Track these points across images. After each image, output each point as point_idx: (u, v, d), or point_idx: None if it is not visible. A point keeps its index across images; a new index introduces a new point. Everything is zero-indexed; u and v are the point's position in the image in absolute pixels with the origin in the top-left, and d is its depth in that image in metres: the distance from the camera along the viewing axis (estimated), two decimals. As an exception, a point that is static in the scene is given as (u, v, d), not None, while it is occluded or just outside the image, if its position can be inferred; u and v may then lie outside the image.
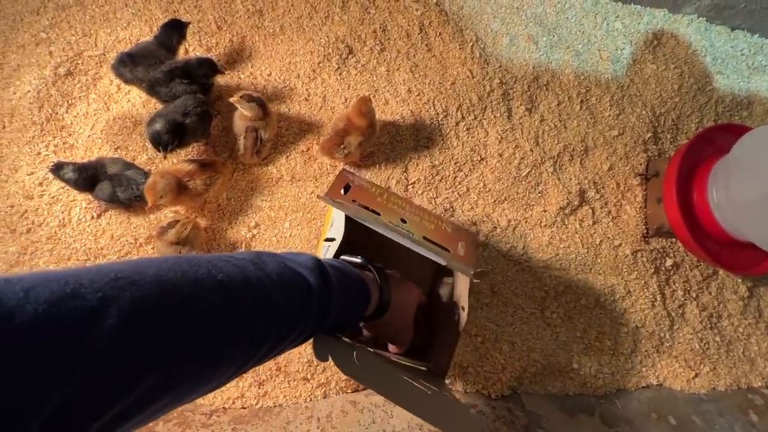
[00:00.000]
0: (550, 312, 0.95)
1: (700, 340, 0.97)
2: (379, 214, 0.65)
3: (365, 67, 0.99)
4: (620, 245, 0.99)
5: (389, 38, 1.02)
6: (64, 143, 0.85)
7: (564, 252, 0.96)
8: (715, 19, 1.16)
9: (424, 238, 0.66)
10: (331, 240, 0.66)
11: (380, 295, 0.58)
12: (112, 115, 0.87)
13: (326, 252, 0.68)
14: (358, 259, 0.61)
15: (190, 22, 0.86)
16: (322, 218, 0.89)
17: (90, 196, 0.82)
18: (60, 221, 0.82)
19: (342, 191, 0.67)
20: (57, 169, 0.74)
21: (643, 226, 1.01)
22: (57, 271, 0.27)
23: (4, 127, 0.84)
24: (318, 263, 0.47)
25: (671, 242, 1.02)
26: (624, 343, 0.95)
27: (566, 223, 0.99)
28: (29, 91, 0.85)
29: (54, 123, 0.85)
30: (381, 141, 0.94)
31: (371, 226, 0.62)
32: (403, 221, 0.67)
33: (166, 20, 0.83)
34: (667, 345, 0.97)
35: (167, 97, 0.82)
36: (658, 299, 0.97)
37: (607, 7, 1.14)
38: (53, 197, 0.82)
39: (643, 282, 0.97)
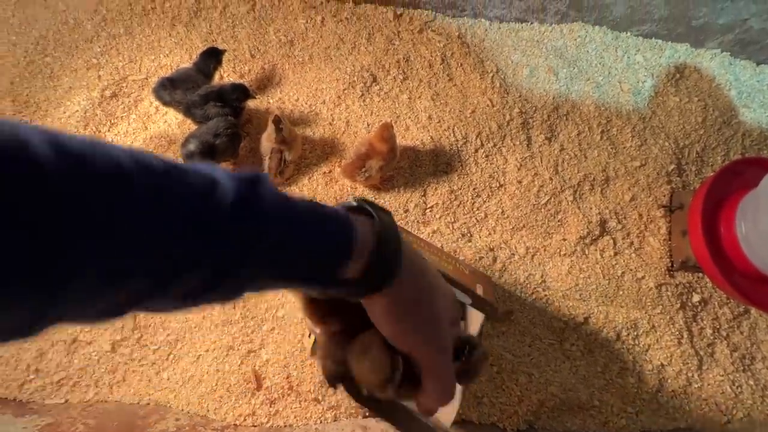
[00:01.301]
0: (569, 344, 0.89)
1: (732, 383, 0.89)
2: None
3: (388, 94, 1.00)
4: (643, 278, 0.93)
5: (412, 68, 1.04)
6: (104, 159, 0.89)
7: (584, 282, 0.92)
8: (740, 53, 1.12)
9: (444, 276, 0.64)
10: None
11: (377, 246, 0.32)
12: (149, 134, 0.90)
13: None
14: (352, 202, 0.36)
15: (225, 50, 0.89)
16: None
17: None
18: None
19: None
20: None
21: (668, 259, 0.95)
22: None
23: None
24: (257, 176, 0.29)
25: (698, 277, 0.96)
26: (649, 382, 0.88)
27: (586, 252, 0.94)
28: (77, 110, 0.89)
29: (96, 140, 0.89)
30: (401, 165, 0.93)
31: None
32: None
33: (206, 48, 0.87)
34: (696, 386, 0.89)
35: (201, 119, 0.84)
36: (685, 336, 0.90)
37: (627, 41, 1.12)
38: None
39: (668, 317, 0.91)
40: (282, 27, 1.02)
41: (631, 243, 0.96)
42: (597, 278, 0.91)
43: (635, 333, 0.90)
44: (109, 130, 0.90)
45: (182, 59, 0.95)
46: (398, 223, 0.73)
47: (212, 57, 0.85)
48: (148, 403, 0.78)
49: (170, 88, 0.84)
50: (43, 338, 0.78)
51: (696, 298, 0.93)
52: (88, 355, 0.79)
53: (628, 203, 0.98)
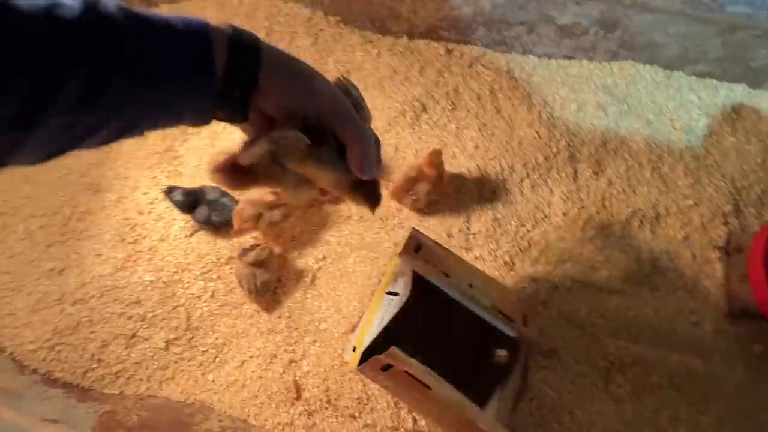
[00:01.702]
0: (615, 385, 0.85)
1: (802, 445, 0.81)
2: (448, 276, 0.64)
3: (437, 123, 1.04)
4: (698, 322, 0.88)
5: (461, 99, 1.07)
6: (174, 170, 0.97)
7: (633, 321, 0.88)
8: (803, 95, 1.08)
9: (492, 306, 0.64)
10: (395, 294, 0.65)
11: (230, 38, 0.32)
12: (216, 150, 0.98)
13: (388, 305, 0.66)
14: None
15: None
16: (385, 259, 0.90)
17: (187, 217, 0.91)
18: (160, 236, 0.91)
19: (413, 250, 0.67)
20: (169, 191, 0.84)
21: (725, 304, 0.89)
22: None
23: (132, 154, 0.98)
24: None
25: (760, 325, 0.89)
26: (704, 435, 0.81)
27: (635, 290, 0.91)
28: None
29: (170, 153, 0.98)
30: (446, 191, 0.95)
31: (444, 289, 0.61)
32: (470, 286, 0.65)
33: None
34: (759, 444, 0.81)
35: None
36: (746, 388, 0.83)
37: (680, 80, 1.11)
38: (159, 215, 0.92)
39: (727, 367, 0.85)
40: (341, 58, 1.09)
41: (685, 284, 0.91)
42: (647, 318, 0.87)
43: (689, 380, 0.84)
44: (181, 145, 0.99)
45: (250, 85, 1.04)
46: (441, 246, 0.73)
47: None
48: (193, 403, 0.81)
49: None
50: (107, 331, 0.84)
51: (758, 348, 0.86)
52: (143, 351, 0.84)
53: (680, 242, 0.94)
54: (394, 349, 0.55)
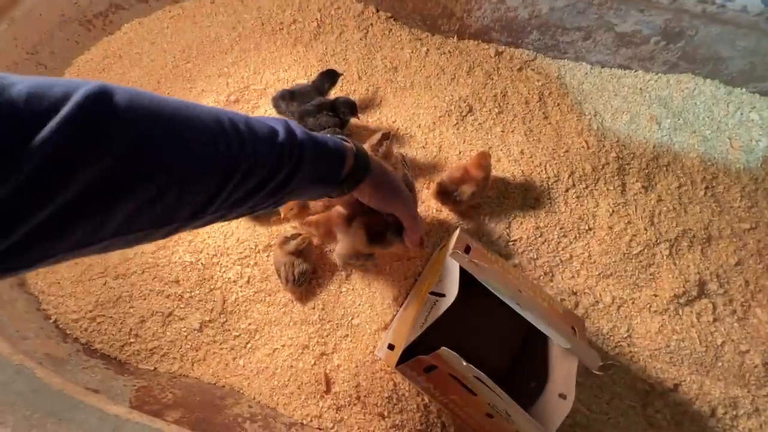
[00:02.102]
0: (653, 410, 0.81)
1: None
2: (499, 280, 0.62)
3: (482, 125, 1.02)
4: (747, 352, 0.83)
5: (508, 103, 1.05)
6: (219, 155, 0.98)
7: (676, 345, 0.84)
8: None
9: (542, 315, 0.61)
10: (441, 295, 0.63)
11: (355, 155, 0.54)
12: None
13: (432, 307, 0.65)
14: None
15: (343, 73, 0.96)
16: (421, 258, 0.88)
17: (228, 202, 0.91)
18: (202, 218, 0.92)
19: (464, 251, 0.65)
20: None
21: (778, 336, 0.85)
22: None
23: (180, 136, 0.99)
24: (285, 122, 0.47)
25: (815, 362, 0.84)
26: (747, 472, 0.77)
27: (680, 313, 0.86)
28: (205, 110, 1.00)
29: (216, 138, 0.99)
30: (489, 195, 0.93)
31: (495, 292, 0.58)
32: (520, 292, 0.63)
33: (324, 69, 0.94)
34: (807, 489, 0.76)
35: (312, 126, 0.91)
36: (797, 428, 0.78)
37: (741, 97, 1.06)
38: (202, 198, 0.93)
39: (776, 402, 0.80)
40: (389, 54, 1.08)
41: (734, 311, 0.87)
42: (692, 343, 0.83)
43: (734, 413, 0.80)
44: (227, 131, 1.00)
45: (298, 74, 1.04)
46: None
47: (330, 78, 0.92)
48: (224, 386, 0.82)
49: (288, 100, 0.92)
50: (145, 307, 0.86)
51: (812, 385, 0.81)
52: (178, 330, 0.85)
53: (732, 267, 0.90)
54: (444, 350, 0.54)
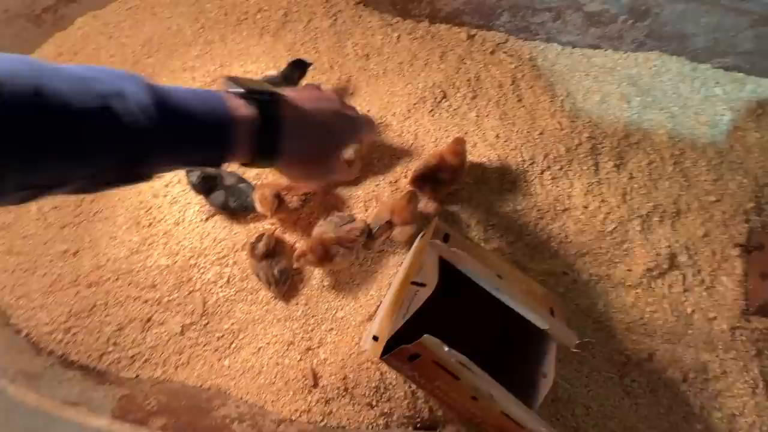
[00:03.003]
0: (630, 380, 0.85)
1: (813, 444, 0.81)
2: (477, 266, 0.62)
3: (457, 111, 1.01)
4: (715, 319, 0.87)
5: (482, 87, 1.04)
6: (189, 153, 0.95)
7: (650, 317, 0.87)
8: (831, 92, 1.05)
9: (522, 298, 0.62)
10: (421, 285, 0.63)
11: (257, 138, 0.41)
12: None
13: (414, 296, 0.65)
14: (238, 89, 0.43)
15: (312, 63, 0.93)
16: (402, 249, 0.88)
17: (203, 201, 0.89)
18: (175, 220, 0.89)
19: (442, 239, 0.65)
20: (187, 170, 0.82)
21: (743, 302, 0.88)
22: None
23: (146, 135, 0.95)
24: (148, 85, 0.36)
25: (777, 324, 0.89)
26: (717, 431, 0.82)
27: (653, 286, 0.89)
28: (171, 107, 0.96)
29: (185, 136, 0.95)
30: (466, 181, 0.93)
31: (475, 279, 0.59)
32: (499, 277, 0.64)
33: (293, 59, 0.91)
34: (772, 442, 0.82)
35: None
36: (761, 386, 0.83)
37: (706, 72, 1.08)
38: (174, 198, 0.90)
39: (742, 364, 0.84)
40: (360, 41, 1.06)
41: (703, 281, 0.90)
42: (664, 314, 0.87)
43: (704, 376, 0.84)
44: (196, 127, 0.96)
45: (267, 66, 1.01)
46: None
47: (299, 68, 0.90)
48: (209, 388, 0.81)
49: (257, 93, 0.89)
50: (122, 314, 0.83)
51: (775, 346, 0.86)
52: (159, 335, 0.83)
53: (700, 239, 0.93)
54: (427, 338, 0.54)
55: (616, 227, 0.92)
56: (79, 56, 1.01)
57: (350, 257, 0.82)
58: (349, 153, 0.85)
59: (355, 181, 0.92)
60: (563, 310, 0.68)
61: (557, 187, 0.95)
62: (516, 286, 0.64)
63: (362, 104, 1.00)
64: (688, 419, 0.81)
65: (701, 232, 0.93)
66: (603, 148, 0.99)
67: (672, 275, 0.90)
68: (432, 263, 0.60)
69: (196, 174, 0.81)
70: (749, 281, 0.90)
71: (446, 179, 0.85)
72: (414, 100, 1.00)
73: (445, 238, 0.65)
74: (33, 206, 0.91)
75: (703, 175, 0.98)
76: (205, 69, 1.00)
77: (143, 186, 0.91)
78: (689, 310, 0.87)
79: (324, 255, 0.79)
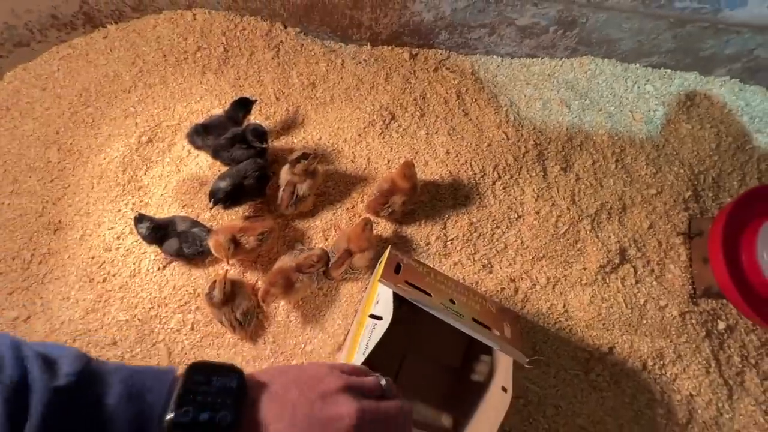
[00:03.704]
0: (595, 374, 0.89)
1: (765, 413, 0.87)
2: (430, 295, 0.64)
3: (406, 131, 1.03)
4: (666, 306, 0.93)
5: (428, 105, 1.07)
6: (140, 201, 0.93)
7: (607, 311, 0.91)
8: (750, 80, 1.14)
9: (473, 319, 0.64)
10: (378, 318, 0.65)
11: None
12: (182, 176, 0.94)
13: (372, 330, 0.66)
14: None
15: (256, 100, 0.93)
16: (363, 271, 0.90)
17: (158, 249, 0.87)
18: (131, 272, 0.87)
19: (393, 271, 0.67)
20: (139, 220, 0.80)
21: (690, 287, 0.94)
22: None
23: (93, 188, 0.93)
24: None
25: (722, 304, 0.95)
26: (678, 412, 0.86)
27: (607, 281, 0.94)
28: (116, 156, 0.94)
29: (134, 184, 0.93)
30: (421, 199, 0.95)
31: (427, 309, 0.61)
32: (452, 302, 0.66)
33: (236, 98, 0.91)
34: (728, 416, 0.87)
35: (228, 160, 0.88)
36: (713, 365, 0.89)
37: (636, 71, 1.15)
38: (127, 250, 0.88)
39: (694, 346, 0.90)
40: (304, 70, 1.07)
41: (652, 271, 0.96)
42: (619, 307, 0.91)
43: (661, 362, 0.89)
44: (145, 174, 0.95)
45: (212, 104, 1.00)
46: (420, 257, 0.75)
47: (243, 107, 0.90)
48: None
49: (203, 134, 0.88)
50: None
51: (721, 325, 0.92)
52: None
53: (646, 231, 0.99)
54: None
55: (568, 229, 0.96)
56: (12, 111, 0.98)
57: (312, 284, 0.83)
58: (302, 189, 0.86)
59: (312, 212, 0.93)
60: (518, 325, 0.71)
61: (509, 195, 0.98)
62: (471, 306, 0.66)
63: (312, 133, 1.01)
64: (651, 405, 0.86)
65: (646, 224, 0.99)
66: (549, 153, 1.04)
67: (624, 269, 0.95)
68: (385, 298, 0.61)
69: (145, 225, 0.80)
70: (693, 267, 0.96)
71: (400, 202, 0.87)
72: (363, 124, 1.02)
73: (398, 269, 0.66)
74: (-23, 274, 0.87)
75: (643, 169, 1.04)
76: (148, 113, 0.98)
77: (93, 240, 0.89)
78: (642, 300, 0.92)
79: (286, 284, 0.80)
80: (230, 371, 0.38)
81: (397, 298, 0.62)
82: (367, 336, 0.64)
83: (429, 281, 0.67)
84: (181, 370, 0.38)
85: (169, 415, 0.33)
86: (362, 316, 0.77)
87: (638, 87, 1.13)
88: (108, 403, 0.32)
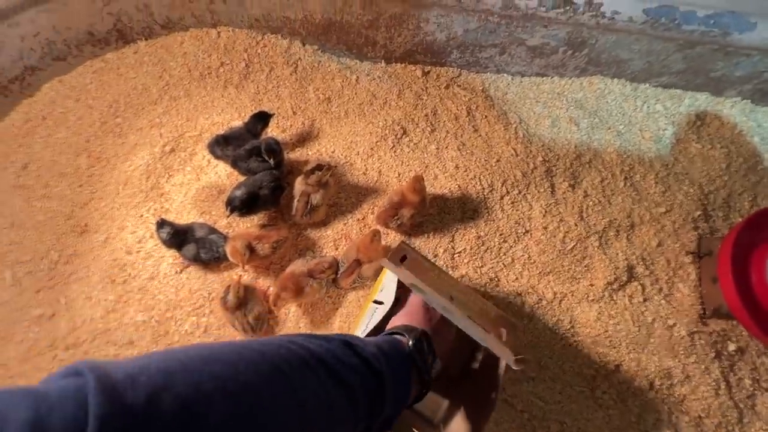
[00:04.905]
0: (600, 392, 0.88)
1: (777, 439, 0.85)
2: (429, 287, 0.67)
3: (417, 145, 1.07)
4: (675, 325, 0.92)
5: (439, 120, 1.10)
6: (161, 207, 0.97)
7: (614, 329, 0.92)
8: (761, 101, 1.14)
9: (469, 317, 0.66)
10: (380, 303, 0.67)
11: (424, 376, 0.54)
12: (202, 184, 0.99)
13: (372, 315, 0.69)
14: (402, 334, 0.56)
15: (274, 114, 0.98)
16: (371, 280, 0.92)
17: (176, 253, 0.91)
18: (150, 274, 0.91)
19: (399, 260, 0.70)
20: (160, 225, 0.85)
21: (699, 306, 0.94)
22: None
23: (118, 193, 0.98)
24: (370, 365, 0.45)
25: (732, 325, 0.94)
26: (686, 435, 0.86)
27: (614, 298, 0.94)
28: (141, 164, 0.99)
29: (156, 191, 0.98)
30: (430, 212, 0.98)
31: (424, 298, 0.64)
32: (451, 299, 0.68)
33: (256, 112, 0.96)
34: (737, 441, 0.86)
35: (245, 171, 0.93)
36: (723, 387, 0.88)
37: (646, 91, 1.16)
38: (148, 253, 0.93)
39: (703, 367, 0.89)
40: (321, 86, 1.12)
41: (660, 289, 0.96)
42: (627, 325, 0.91)
43: (669, 382, 0.88)
44: (167, 181, 1.00)
45: (232, 117, 1.05)
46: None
47: (261, 120, 0.95)
48: None
49: (223, 145, 0.93)
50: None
51: (732, 347, 0.91)
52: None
53: (654, 249, 0.99)
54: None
55: (575, 245, 0.97)
56: (47, 120, 1.04)
57: (321, 289, 0.86)
58: (316, 199, 0.89)
59: (324, 222, 0.96)
60: (517, 333, 0.72)
61: (517, 210, 1.00)
62: (469, 307, 0.68)
63: (327, 146, 1.05)
64: (658, 425, 0.85)
65: (655, 242, 0.99)
66: (557, 169, 1.05)
67: (631, 286, 0.95)
68: (389, 285, 0.64)
69: (166, 230, 0.84)
70: (702, 286, 0.95)
71: (409, 215, 0.90)
72: (376, 139, 1.05)
73: (403, 259, 0.69)
74: (7, 272, 0.92)
75: (652, 188, 1.05)
76: (172, 124, 1.04)
77: (116, 243, 0.94)
78: (650, 319, 0.92)
79: (297, 288, 0.83)
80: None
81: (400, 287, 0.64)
82: (368, 318, 0.66)
83: (432, 276, 0.70)
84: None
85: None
86: (366, 302, 0.80)
87: (648, 106, 1.14)
88: None
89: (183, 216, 0.96)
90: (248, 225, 0.96)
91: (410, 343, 0.54)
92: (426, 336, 0.57)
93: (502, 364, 0.66)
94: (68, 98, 1.06)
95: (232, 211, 0.86)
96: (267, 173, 0.90)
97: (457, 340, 0.76)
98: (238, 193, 0.87)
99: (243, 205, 0.86)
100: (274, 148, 0.90)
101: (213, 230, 0.90)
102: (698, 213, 1.02)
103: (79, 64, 1.10)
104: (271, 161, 0.90)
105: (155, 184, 0.98)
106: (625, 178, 1.06)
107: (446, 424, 0.66)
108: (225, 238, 0.89)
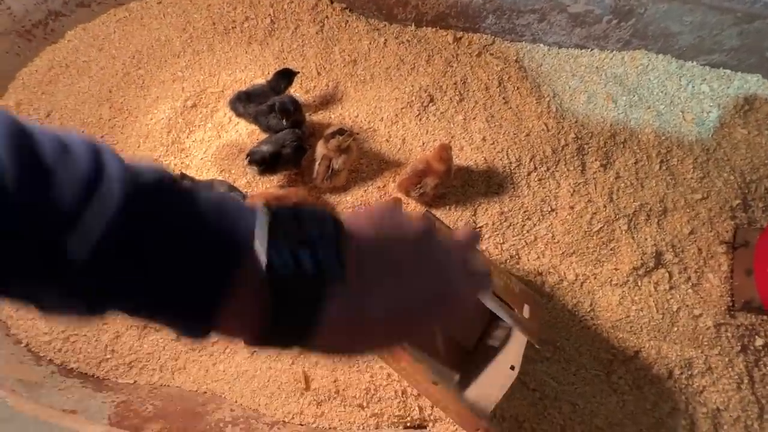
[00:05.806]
0: (616, 377, 0.86)
1: (798, 437, 0.83)
2: None
3: (444, 114, 1.02)
4: (701, 315, 0.89)
5: (468, 90, 1.05)
6: (182, 163, 0.96)
7: (636, 315, 0.88)
8: (818, 87, 1.06)
9: (494, 293, 0.64)
10: None
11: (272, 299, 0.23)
12: (222, 142, 0.97)
13: None
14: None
15: (298, 72, 0.95)
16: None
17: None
18: (168, 229, 0.91)
19: None
20: (181, 177, 0.84)
21: (729, 298, 0.90)
22: None
23: (139, 146, 0.97)
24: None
25: (762, 319, 0.90)
26: (702, 426, 0.83)
27: (639, 284, 0.91)
28: (162, 118, 0.97)
29: (177, 146, 0.97)
30: (453, 184, 0.94)
31: None
32: None
33: (280, 69, 0.92)
34: (756, 436, 0.83)
35: (265, 127, 0.91)
36: (746, 382, 0.85)
37: (693, 70, 1.08)
38: (166, 208, 0.92)
39: (727, 360, 0.86)
40: (347, 47, 1.07)
41: (689, 278, 0.92)
42: (650, 311, 0.88)
43: (689, 372, 0.86)
44: (187, 137, 0.98)
45: (255, 74, 1.02)
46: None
47: (285, 77, 0.91)
48: (205, 392, 0.83)
49: (245, 101, 0.90)
50: (120, 322, 0.86)
51: (759, 341, 0.88)
52: (155, 341, 0.85)
53: (686, 237, 0.94)
54: None
55: (602, 227, 0.93)
56: (70, 69, 1.03)
57: None
58: (337, 163, 0.87)
59: (344, 188, 0.94)
60: (539, 309, 0.70)
61: (544, 188, 0.96)
62: (494, 281, 0.66)
63: (350, 110, 1.01)
64: (673, 415, 0.83)
65: (687, 230, 0.94)
66: (589, 148, 1.00)
67: (658, 273, 0.91)
68: None
69: (188, 182, 0.83)
70: (735, 278, 0.91)
71: (433, 184, 0.87)
72: (401, 105, 1.01)
73: None
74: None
75: (689, 173, 0.99)
76: (194, 79, 1.01)
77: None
78: (675, 307, 0.89)
79: None
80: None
81: None
82: None
83: None
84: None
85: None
86: None
87: (693, 86, 1.07)
88: (196, 211, 0.23)
89: (203, 173, 0.94)
90: (267, 186, 0.94)
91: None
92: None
93: (522, 339, 0.64)
94: (91, 47, 1.04)
95: (250, 164, 0.84)
96: (289, 131, 0.87)
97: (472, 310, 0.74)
98: (264, 148, 0.85)
99: (263, 161, 0.84)
100: (288, 108, 0.86)
101: (233, 188, 0.88)
102: (737, 202, 0.96)
103: (103, 12, 1.07)
104: (284, 122, 0.87)
105: (176, 139, 0.97)
106: (661, 161, 1.00)
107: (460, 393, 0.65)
108: (244, 196, 0.87)
